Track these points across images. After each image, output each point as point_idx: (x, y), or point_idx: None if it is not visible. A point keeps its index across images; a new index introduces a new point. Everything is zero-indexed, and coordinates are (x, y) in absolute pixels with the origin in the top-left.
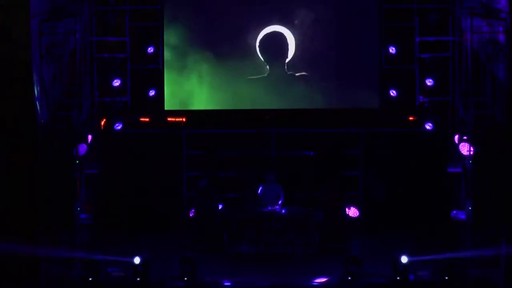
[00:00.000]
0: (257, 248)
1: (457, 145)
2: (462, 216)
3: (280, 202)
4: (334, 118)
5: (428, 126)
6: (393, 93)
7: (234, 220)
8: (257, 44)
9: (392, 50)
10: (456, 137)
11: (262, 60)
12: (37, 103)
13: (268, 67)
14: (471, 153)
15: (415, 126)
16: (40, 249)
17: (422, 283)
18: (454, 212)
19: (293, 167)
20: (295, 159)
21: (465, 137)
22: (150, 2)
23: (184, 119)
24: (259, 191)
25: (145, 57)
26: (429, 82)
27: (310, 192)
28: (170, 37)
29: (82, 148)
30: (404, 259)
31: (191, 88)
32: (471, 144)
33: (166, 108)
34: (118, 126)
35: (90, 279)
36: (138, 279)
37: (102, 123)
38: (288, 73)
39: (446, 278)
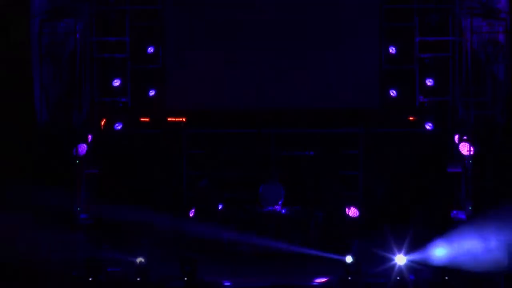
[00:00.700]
0: (257, 248)
1: (457, 145)
2: (462, 216)
3: (280, 202)
4: (334, 118)
5: (428, 126)
6: (393, 93)
7: (234, 220)
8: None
9: (392, 50)
10: (456, 137)
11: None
12: (37, 103)
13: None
14: (471, 153)
15: (415, 126)
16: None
17: (422, 283)
18: (454, 212)
19: (293, 167)
20: (295, 159)
21: (465, 137)
22: (150, 2)
23: (184, 119)
24: (260, 190)
25: (145, 57)
26: (429, 82)
27: (310, 192)
28: (170, 36)
29: (82, 148)
30: (400, 259)
31: (191, 88)
32: (471, 144)
33: (167, 107)
34: (118, 126)
35: (90, 279)
36: (138, 279)
37: (102, 123)
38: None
39: (446, 278)
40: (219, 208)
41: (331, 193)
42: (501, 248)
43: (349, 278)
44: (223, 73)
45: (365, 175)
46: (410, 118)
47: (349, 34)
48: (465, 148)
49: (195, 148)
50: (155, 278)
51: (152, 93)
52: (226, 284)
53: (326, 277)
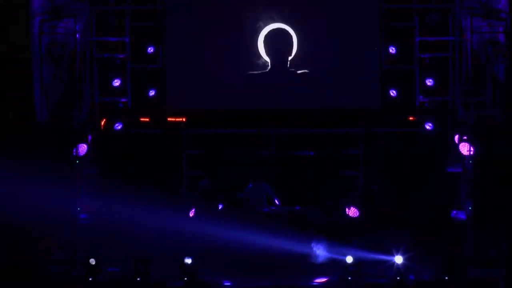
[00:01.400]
0: (257, 248)
1: (457, 145)
2: (462, 216)
3: (278, 202)
4: (334, 118)
5: (428, 126)
6: (393, 93)
7: (234, 220)
8: (262, 39)
9: (392, 50)
10: (456, 137)
11: (263, 57)
12: (37, 103)
13: (269, 63)
14: (471, 153)
15: (415, 126)
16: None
17: (422, 283)
18: (454, 212)
19: (293, 167)
20: (295, 159)
21: (465, 137)
22: (150, 2)
23: (184, 119)
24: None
25: (145, 57)
26: (429, 82)
27: (310, 192)
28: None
29: (82, 148)
30: (398, 259)
31: (191, 88)
32: (471, 144)
33: (167, 107)
34: (118, 126)
35: (90, 279)
36: (138, 279)
37: (102, 123)
38: (290, 70)
39: (446, 278)
40: (219, 208)
41: (331, 193)
42: None
43: (349, 278)
44: (223, 73)
45: (365, 175)
46: (410, 118)
47: (349, 34)
48: (465, 148)
49: (195, 148)
50: (155, 278)
51: (152, 93)
52: (226, 284)
53: (326, 277)
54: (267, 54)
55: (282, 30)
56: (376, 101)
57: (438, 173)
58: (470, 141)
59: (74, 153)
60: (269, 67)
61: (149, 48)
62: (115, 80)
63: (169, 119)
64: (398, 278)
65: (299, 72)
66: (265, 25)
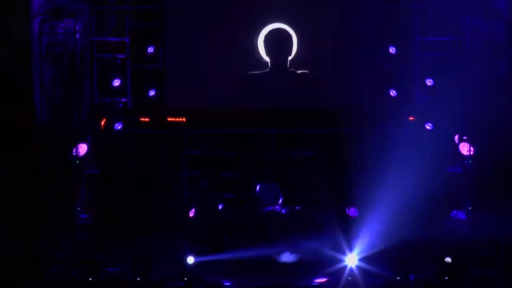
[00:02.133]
0: (257, 248)
1: (457, 145)
2: (462, 216)
3: (280, 201)
4: (334, 118)
5: (428, 126)
6: (393, 93)
7: (234, 220)
8: (262, 39)
9: (392, 50)
10: (456, 137)
11: (263, 57)
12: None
13: (269, 63)
14: (471, 153)
15: (415, 126)
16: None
17: (422, 283)
18: (454, 212)
19: (293, 167)
20: (295, 159)
21: (465, 137)
22: (150, 2)
23: (184, 119)
24: (257, 190)
25: (145, 57)
26: (429, 82)
27: (311, 192)
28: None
29: (82, 148)
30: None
31: (191, 88)
32: (471, 144)
33: (167, 107)
34: (118, 126)
35: (90, 279)
36: (138, 279)
37: (102, 123)
38: (290, 70)
39: (446, 278)
40: (219, 208)
41: (331, 193)
42: None
43: (349, 278)
44: (223, 73)
45: (365, 175)
46: (410, 118)
47: (350, 34)
48: (465, 148)
49: (195, 148)
50: (155, 278)
51: (152, 93)
52: (226, 284)
53: (326, 277)
54: (267, 54)
55: (282, 30)
56: (376, 101)
57: (438, 173)
58: (470, 141)
59: (74, 153)
60: (269, 67)
61: (149, 48)
62: (115, 80)
63: (169, 119)
64: (398, 278)
65: (299, 72)
66: (265, 25)
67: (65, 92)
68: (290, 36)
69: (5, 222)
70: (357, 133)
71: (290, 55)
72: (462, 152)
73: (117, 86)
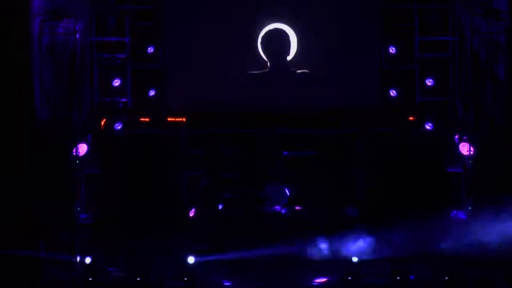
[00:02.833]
0: (258, 248)
1: (457, 145)
2: (462, 216)
3: (283, 202)
4: (334, 118)
5: (428, 126)
6: (393, 93)
7: (234, 220)
8: (259, 40)
9: (392, 50)
10: (456, 137)
11: (263, 57)
12: (37, 103)
13: (269, 63)
14: (471, 153)
15: (415, 126)
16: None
17: (422, 283)
18: (454, 212)
19: (293, 167)
20: (295, 159)
21: (465, 137)
22: (150, 2)
23: (184, 119)
24: (265, 190)
25: (145, 57)
26: (429, 82)
27: (310, 192)
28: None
29: (82, 148)
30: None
31: (191, 88)
32: (471, 144)
33: (167, 107)
34: (118, 126)
35: (90, 279)
36: (138, 279)
37: (102, 123)
38: (290, 70)
39: (446, 278)
40: (219, 208)
41: (330, 193)
42: None
43: (349, 278)
44: (223, 73)
45: (365, 176)
46: (410, 118)
47: (349, 34)
48: (465, 148)
49: (195, 148)
50: (155, 278)
51: (152, 93)
52: (226, 284)
53: (326, 277)
54: (267, 54)
55: (281, 30)
56: (376, 101)
57: (438, 173)
58: (470, 141)
59: (74, 153)
60: (269, 67)
61: (149, 48)
62: (115, 80)
63: (169, 119)
64: (398, 278)
65: (299, 72)
66: (265, 24)
67: (65, 92)
68: (288, 36)
69: (5, 222)
70: (357, 133)
71: (289, 55)
72: (462, 152)
73: (117, 86)
